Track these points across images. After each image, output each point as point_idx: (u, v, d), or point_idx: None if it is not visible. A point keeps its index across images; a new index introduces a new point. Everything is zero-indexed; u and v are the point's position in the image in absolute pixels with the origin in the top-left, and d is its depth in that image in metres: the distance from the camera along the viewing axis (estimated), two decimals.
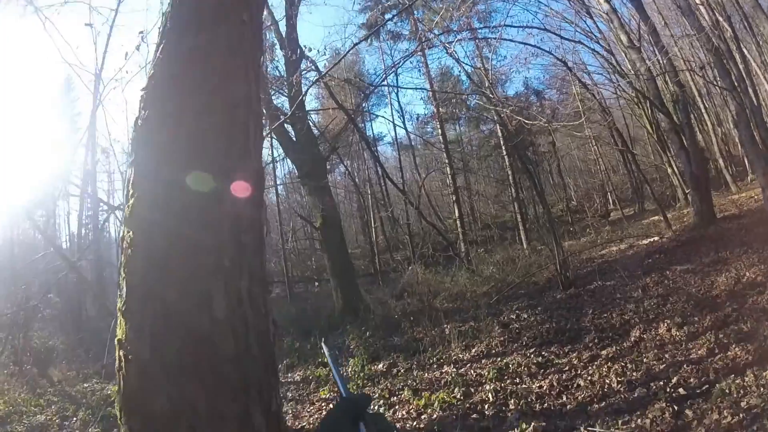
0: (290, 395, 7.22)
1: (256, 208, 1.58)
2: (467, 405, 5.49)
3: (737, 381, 4.37)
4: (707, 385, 4.52)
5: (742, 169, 22.61)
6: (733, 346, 5.18)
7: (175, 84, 1.61)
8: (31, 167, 19.97)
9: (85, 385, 9.58)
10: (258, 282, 1.50)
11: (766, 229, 9.52)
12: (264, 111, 12.96)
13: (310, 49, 11.93)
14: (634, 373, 5.23)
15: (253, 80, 1.77)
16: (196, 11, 1.77)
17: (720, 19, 13.21)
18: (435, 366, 7.22)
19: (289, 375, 8.43)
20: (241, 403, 1.32)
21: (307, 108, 14.07)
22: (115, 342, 1.35)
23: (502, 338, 7.66)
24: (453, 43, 11.25)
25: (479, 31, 16.60)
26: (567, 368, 5.91)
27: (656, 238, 12.84)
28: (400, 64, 17.58)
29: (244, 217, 1.52)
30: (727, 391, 4.25)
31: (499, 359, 6.76)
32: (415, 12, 17.43)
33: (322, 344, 1.53)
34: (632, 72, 15.16)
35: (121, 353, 1.32)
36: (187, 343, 1.30)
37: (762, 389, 4.13)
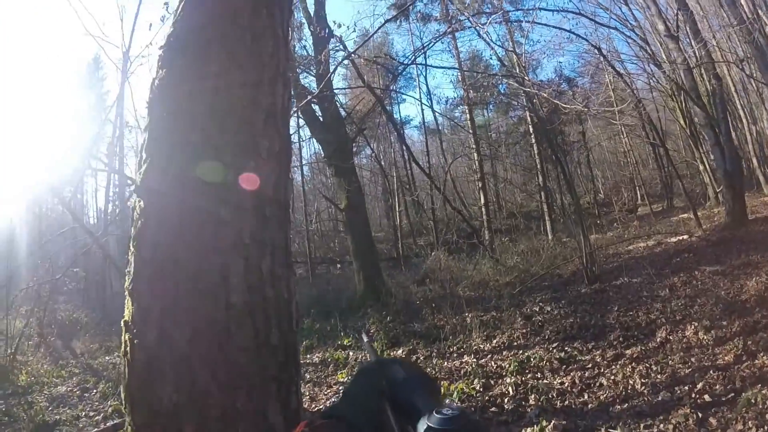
0: (308, 377, 7.16)
1: (281, 180, 1.41)
2: (486, 397, 5.34)
3: (764, 391, 4.14)
4: (733, 394, 4.30)
5: None
6: (762, 354, 4.92)
7: (197, 40, 1.46)
8: (59, 144, 20.28)
9: (107, 358, 9.73)
10: (282, 262, 1.34)
11: None
12: (292, 89, 12.89)
13: (339, 26, 11.68)
14: (659, 376, 5.01)
15: (282, 42, 1.62)
16: None
17: (760, 12, 12.59)
18: (455, 355, 7.08)
19: (308, 356, 8.38)
20: (258, 399, 1.15)
21: (335, 89, 13.87)
22: (121, 323, 1.21)
23: (524, 330, 7.47)
24: (485, 24, 10.91)
25: (511, 14, 16.22)
26: (590, 366, 5.72)
27: (685, 237, 12.42)
28: (430, 45, 17.20)
29: (267, 189, 1.36)
30: (753, 401, 4.03)
31: (520, 352, 6.58)
32: None
33: (363, 335, 1.38)
34: (668, 62, 14.63)
35: (127, 337, 1.19)
36: (200, 329, 1.15)
37: None
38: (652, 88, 21.24)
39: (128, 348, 1.18)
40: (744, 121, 23.29)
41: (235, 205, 1.26)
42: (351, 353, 7.89)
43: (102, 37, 21.73)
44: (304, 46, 15.19)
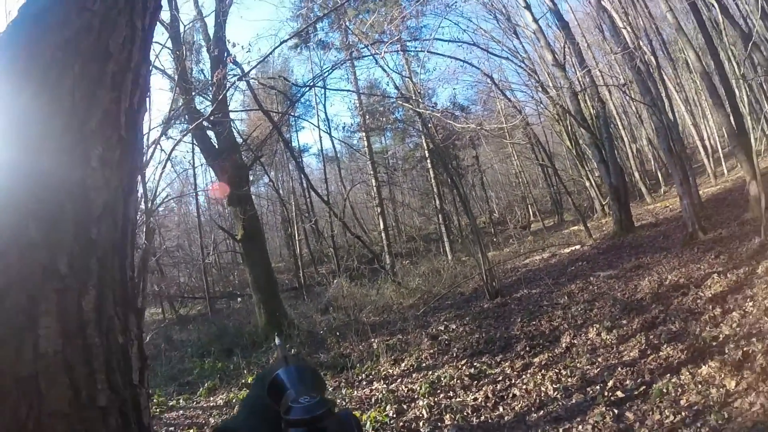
0: (212, 421, 6.61)
1: (118, 195, 1.15)
2: (401, 423, 5.18)
3: (673, 380, 4.40)
4: (644, 386, 4.53)
5: (655, 182, 24.41)
6: (665, 346, 5.24)
7: (34, 24, 1.18)
8: None
9: None
10: (114, 297, 1.05)
11: (683, 235, 10.00)
12: (185, 115, 12.23)
13: (234, 45, 11.25)
14: (569, 379, 5.16)
15: (141, 35, 1.36)
16: None
17: (641, 42, 14.00)
18: (364, 382, 6.87)
19: (212, 398, 7.73)
20: None
21: (231, 110, 13.35)
22: None
23: (431, 350, 7.43)
24: (383, 52, 11.12)
25: (409, 44, 16.76)
26: (501, 378, 5.78)
27: (578, 247, 13.27)
28: (329, 71, 17.34)
29: (95, 205, 1.09)
30: (664, 390, 4.26)
31: (430, 372, 6.52)
32: (347, 23, 17.24)
33: (276, 338, 1.41)
34: (555, 89, 15.80)
35: None
36: (1, 389, 0.86)
37: (700, 386, 4.15)
38: (540, 113, 22.86)
39: None
40: (626, 139, 26.07)
41: (49, 222, 0.98)
42: None
43: None
44: (202, 70, 14.62)
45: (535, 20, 15.95)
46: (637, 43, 12.58)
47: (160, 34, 11.49)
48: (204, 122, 10.47)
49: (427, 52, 13.34)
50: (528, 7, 16.07)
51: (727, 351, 4.50)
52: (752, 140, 9.20)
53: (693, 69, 18.25)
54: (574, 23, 21.27)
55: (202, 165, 19.75)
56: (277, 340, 1.33)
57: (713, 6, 12.33)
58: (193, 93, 12.00)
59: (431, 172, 24.20)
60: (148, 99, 1.62)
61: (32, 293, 0.94)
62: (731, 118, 10.45)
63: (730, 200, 12.77)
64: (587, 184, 21.10)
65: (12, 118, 1.08)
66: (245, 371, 8.35)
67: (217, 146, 12.17)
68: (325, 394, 0.86)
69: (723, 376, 4.17)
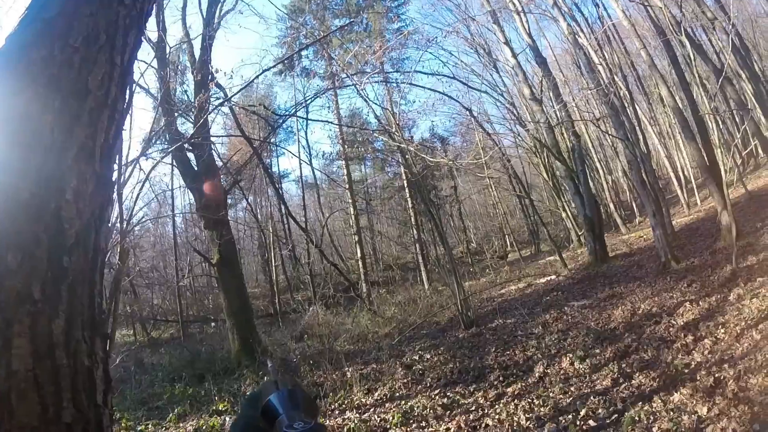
0: None
1: (90, 225, 1.23)
2: None
3: (645, 407, 4.48)
4: (616, 415, 4.59)
5: (630, 212, 24.95)
6: (637, 374, 5.34)
7: (21, 58, 1.25)
8: None
9: None
10: (83, 322, 1.13)
11: (656, 265, 10.23)
12: (167, 135, 12.23)
13: (217, 71, 11.38)
14: (542, 409, 5.21)
15: (120, 71, 1.44)
16: None
17: (616, 78, 14.53)
18: (337, 412, 6.80)
19: (181, 424, 7.57)
20: None
21: (211, 135, 13.39)
22: None
23: (405, 380, 7.43)
24: (364, 83, 11.35)
25: (390, 75, 17.14)
26: (473, 408, 5.80)
27: (553, 277, 13.46)
28: (312, 99, 17.59)
29: (68, 235, 1.16)
30: (636, 418, 4.33)
31: (403, 402, 6.50)
32: (331, 52, 17.57)
33: (268, 360, 1.36)
34: (532, 122, 16.22)
35: None
36: None
37: (672, 413, 4.22)
38: (518, 145, 23.33)
39: None
40: (601, 172, 26.72)
41: (26, 252, 1.04)
42: (227, 419, 7.26)
43: None
44: (185, 91, 14.68)
45: (515, 55, 16.45)
46: (612, 78, 13.07)
47: (146, 54, 11.56)
48: (184, 144, 10.50)
49: (409, 84, 13.68)
50: (508, 42, 16.59)
51: (698, 378, 4.62)
52: (723, 172, 9.50)
53: (666, 104, 18.91)
54: (552, 59, 22.00)
55: (180, 187, 19.63)
56: (269, 363, 1.37)
57: (685, 44, 12.89)
58: (176, 114, 12.03)
59: (409, 201, 24.43)
60: (129, 117, 1.69)
61: (7, 316, 1.00)
62: (702, 151, 10.84)
63: (702, 230, 13.11)
64: (564, 215, 21.49)
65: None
66: (216, 398, 8.20)
67: (196, 168, 12.17)
68: (318, 419, 0.89)
69: (695, 402, 4.26)
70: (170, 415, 7.77)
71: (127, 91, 1.60)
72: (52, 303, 1.08)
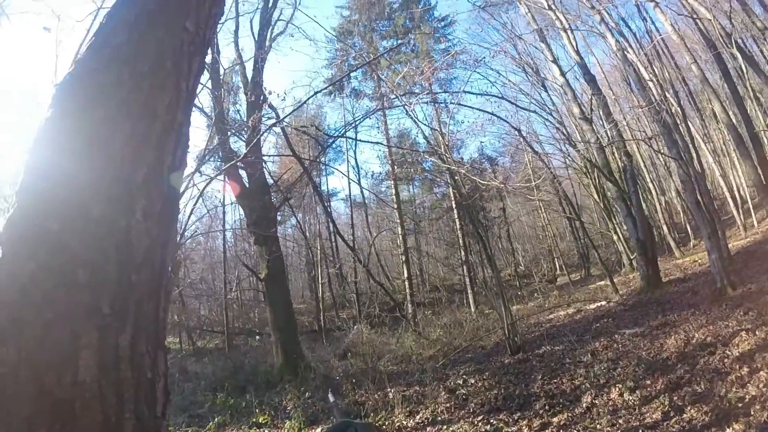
0: None
1: (157, 244, 1.29)
2: None
3: None
4: None
5: (684, 235, 23.86)
6: (689, 407, 5.08)
7: (91, 83, 1.34)
8: None
9: None
10: (147, 336, 1.18)
11: (711, 291, 9.74)
12: (220, 152, 12.70)
13: (270, 92, 11.79)
14: None
15: (185, 96, 1.53)
16: (135, 8, 1.55)
17: (667, 94, 14.11)
18: None
19: None
20: None
21: (263, 155, 13.82)
22: None
23: (448, 404, 7.30)
24: (413, 104, 11.45)
25: (439, 95, 17.23)
26: None
27: (603, 303, 13.02)
28: (361, 119, 17.89)
29: (137, 253, 1.23)
30: None
31: (445, 427, 6.42)
32: (379, 73, 17.88)
33: (330, 395, 1.41)
34: (582, 142, 15.90)
35: None
36: (42, 408, 0.97)
37: None
38: (568, 166, 22.85)
39: None
40: (654, 192, 25.66)
41: (96, 267, 1.10)
42: None
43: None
44: (238, 110, 15.23)
45: (563, 73, 16.25)
46: (663, 95, 12.66)
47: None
48: (237, 162, 10.86)
49: (457, 104, 13.69)
50: (555, 60, 16.42)
51: (753, 412, 4.37)
52: None
53: (719, 119, 18.20)
54: (600, 76, 21.59)
55: (232, 203, 20.26)
56: (330, 398, 1.35)
57: (736, 57, 12.41)
58: (229, 133, 12.49)
59: (457, 222, 24.28)
60: None
61: (75, 328, 1.06)
62: (758, 168, 10.32)
63: (760, 253, 12.44)
64: (615, 238, 20.86)
65: (66, 169, 1.23)
66: (257, 410, 8.33)
67: (248, 185, 12.55)
68: None
69: None
70: (210, 423, 7.94)
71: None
72: (119, 318, 1.13)
